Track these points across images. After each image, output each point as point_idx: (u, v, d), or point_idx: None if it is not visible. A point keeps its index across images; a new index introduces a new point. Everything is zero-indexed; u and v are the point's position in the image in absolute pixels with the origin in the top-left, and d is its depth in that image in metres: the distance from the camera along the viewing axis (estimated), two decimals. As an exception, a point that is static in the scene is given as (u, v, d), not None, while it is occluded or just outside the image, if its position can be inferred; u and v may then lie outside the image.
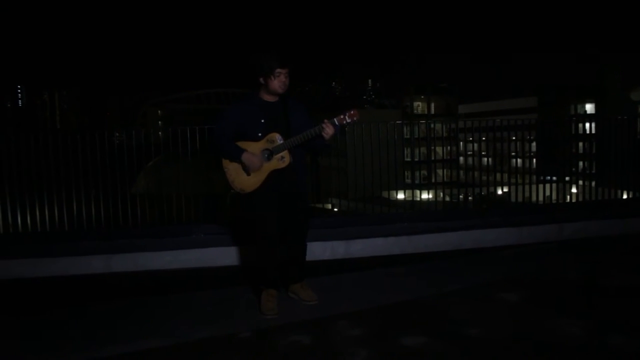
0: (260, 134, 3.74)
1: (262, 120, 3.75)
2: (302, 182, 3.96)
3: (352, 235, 5.72)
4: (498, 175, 8.14)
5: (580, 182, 7.81)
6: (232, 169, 3.78)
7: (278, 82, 3.72)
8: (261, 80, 3.75)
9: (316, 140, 3.78)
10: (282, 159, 3.77)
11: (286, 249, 3.93)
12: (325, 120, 3.71)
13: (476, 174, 8.93)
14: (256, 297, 3.96)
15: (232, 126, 3.78)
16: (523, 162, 8.26)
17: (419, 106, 66.84)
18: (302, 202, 3.98)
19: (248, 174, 3.76)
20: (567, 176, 7.56)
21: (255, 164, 3.71)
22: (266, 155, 3.75)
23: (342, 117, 3.75)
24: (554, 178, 7.80)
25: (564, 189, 7.19)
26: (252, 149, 3.74)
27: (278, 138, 3.74)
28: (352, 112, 3.74)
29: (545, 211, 6.79)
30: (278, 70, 3.69)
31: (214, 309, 3.99)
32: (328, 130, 3.69)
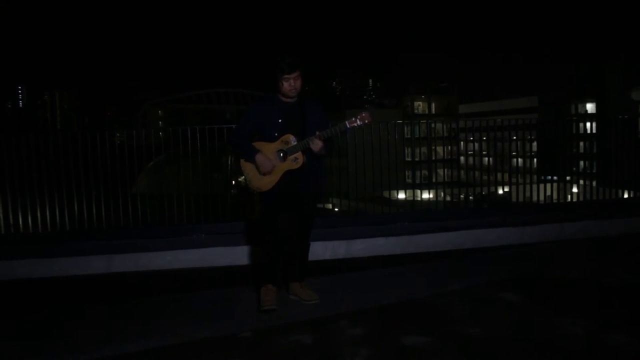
0: (276, 134, 3.85)
1: (280, 120, 3.87)
2: (320, 182, 4.05)
3: (353, 235, 5.72)
4: (499, 175, 8.11)
5: (581, 182, 7.79)
6: (249, 169, 3.90)
7: (287, 85, 3.84)
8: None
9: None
10: (296, 160, 3.85)
11: (291, 247, 3.98)
12: (317, 133, 3.81)
13: (477, 173, 8.92)
14: (256, 296, 3.96)
15: (251, 125, 3.92)
16: (524, 162, 8.21)
17: (419, 106, 66.93)
18: (315, 202, 4.10)
19: (262, 174, 3.84)
20: (568, 176, 7.54)
21: (266, 166, 3.82)
22: (281, 155, 3.83)
23: (353, 119, 3.87)
24: (555, 178, 7.78)
25: (564, 189, 7.17)
26: (267, 149, 3.85)
27: (292, 139, 3.84)
28: (363, 115, 3.87)
29: (546, 211, 6.79)
30: (285, 76, 3.80)
31: (215, 309, 4.00)
32: (315, 145, 3.78)
